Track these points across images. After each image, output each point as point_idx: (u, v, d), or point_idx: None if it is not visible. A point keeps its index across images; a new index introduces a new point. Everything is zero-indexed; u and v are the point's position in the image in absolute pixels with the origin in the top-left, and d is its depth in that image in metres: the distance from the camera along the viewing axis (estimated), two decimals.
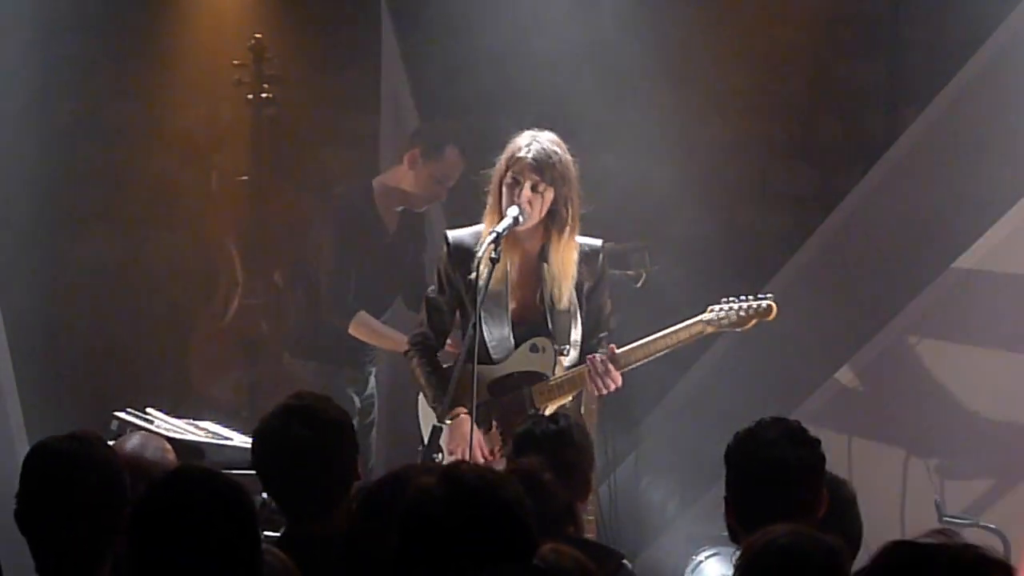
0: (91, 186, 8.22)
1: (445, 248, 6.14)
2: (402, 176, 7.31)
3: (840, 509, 4.34)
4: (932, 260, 7.54)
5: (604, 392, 6.09)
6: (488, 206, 6.03)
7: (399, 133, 7.72)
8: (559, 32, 7.76)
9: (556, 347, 6.12)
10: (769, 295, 6.18)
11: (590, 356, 6.03)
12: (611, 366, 5.97)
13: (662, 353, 6.20)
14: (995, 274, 7.53)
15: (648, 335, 6.15)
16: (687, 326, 6.14)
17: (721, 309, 6.12)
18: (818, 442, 4.19)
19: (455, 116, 7.73)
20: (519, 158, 5.92)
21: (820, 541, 3.43)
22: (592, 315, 6.21)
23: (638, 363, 6.14)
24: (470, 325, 5.95)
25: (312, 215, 7.71)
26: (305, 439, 4.44)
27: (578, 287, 6.12)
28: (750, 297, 6.16)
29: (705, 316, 6.12)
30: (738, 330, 6.24)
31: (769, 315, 6.14)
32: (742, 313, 6.11)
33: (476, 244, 5.98)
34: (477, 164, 6.70)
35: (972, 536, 6.34)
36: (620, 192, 7.42)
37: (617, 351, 6.06)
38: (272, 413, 4.52)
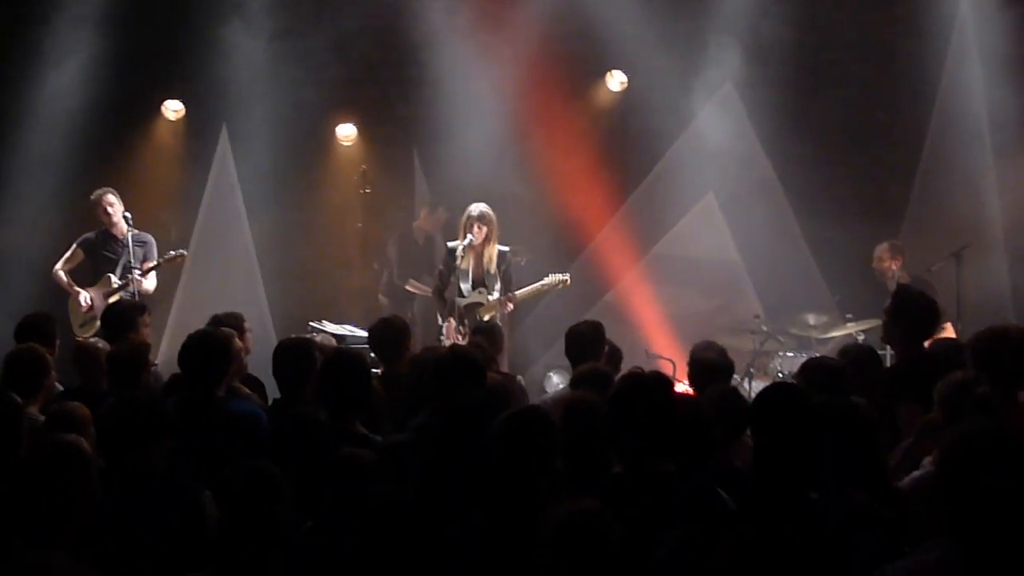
0: (300, 223, 11.46)
1: (446, 250, 9.32)
2: (423, 222, 11.00)
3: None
4: (644, 246, 11.32)
5: (506, 310, 9.16)
6: (460, 234, 9.19)
7: (423, 206, 11.18)
8: (505, 156, 10.97)
9: (487, 291, 9.22)
10: (567, 274, 9.12)
11: (500, 297, 9.07)
12: (507, 302, 9.14)
13: (526, 297, 9.26)
14: (675, 256, 11.34)
15: (520, 288, 9.08)
16: (535, 287, 9.19)
17: (547, 278, 9.18)
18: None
19: (450, 199, 10.58)
20: (471, 215, 9.21)
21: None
22: (504, 282, 9.26)
23: (518, 301, 9.17)
24: (451, 282, 9.14)
25: (389, 240, 10.96)
26: (390, 327, 6.74)
27: (498, 267, 9.26)
28: (559, 273, 9.19)
29: (541, 282, 9.23)
30: (558, 288, 9.16)
31: (565, 284, 9.19)
32: (555, 281, 9.18)
33: (455, 249, 9.22)
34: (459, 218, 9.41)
35: (661, 364, 9.43)
36: (517, 224, 10.25)
37: (510, 295, 9.03)
38: (377, 319, 6.92)
